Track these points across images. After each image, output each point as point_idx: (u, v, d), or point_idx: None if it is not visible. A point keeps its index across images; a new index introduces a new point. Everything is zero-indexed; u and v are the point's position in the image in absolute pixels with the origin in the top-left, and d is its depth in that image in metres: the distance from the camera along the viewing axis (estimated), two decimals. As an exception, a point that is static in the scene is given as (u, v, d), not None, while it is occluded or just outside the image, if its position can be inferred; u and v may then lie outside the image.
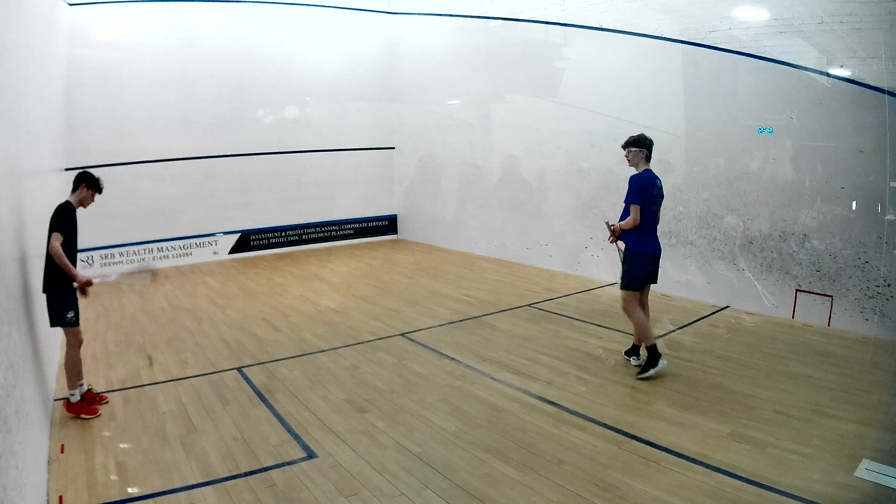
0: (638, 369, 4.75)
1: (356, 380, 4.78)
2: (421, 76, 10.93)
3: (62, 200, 4.31)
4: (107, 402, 4.40)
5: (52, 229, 4.04)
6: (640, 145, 4.80)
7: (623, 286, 4.85)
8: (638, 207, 4.70)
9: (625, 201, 4.80)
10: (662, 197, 4.88)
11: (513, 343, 5.55)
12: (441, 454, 3.59)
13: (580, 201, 8.21)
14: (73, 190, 4.42)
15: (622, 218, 4.85)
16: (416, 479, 3.32)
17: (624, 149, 4.88)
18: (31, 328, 3.79)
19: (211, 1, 9.54)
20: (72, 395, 4.20)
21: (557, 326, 6.01)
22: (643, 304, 4.90)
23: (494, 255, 9.63)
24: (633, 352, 4.98)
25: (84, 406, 4.21)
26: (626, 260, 4.86)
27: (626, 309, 4.84)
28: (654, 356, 4.65)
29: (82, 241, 8.86)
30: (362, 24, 10.94)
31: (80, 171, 4.52)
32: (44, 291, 4.10)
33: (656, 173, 4.79)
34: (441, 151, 10.58)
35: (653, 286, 4.95)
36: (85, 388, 4.30)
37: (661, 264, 4.84)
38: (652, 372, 4.63)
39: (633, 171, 4.82)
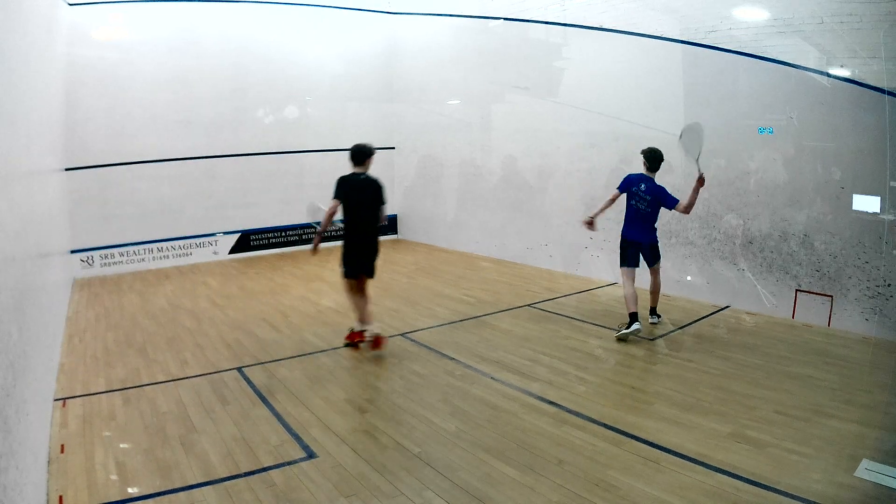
0: (658, 326, 5.90)
1: (356, 380, 4.78)
2: (421, 76, 10.93)
3: (348, 174, 5.33)
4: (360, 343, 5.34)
5: (383, 202, 5.42)
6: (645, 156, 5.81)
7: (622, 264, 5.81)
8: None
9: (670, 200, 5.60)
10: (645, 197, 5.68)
11: (513, 343, 5.55)
12: (441, 454, 3.59)
13: (580, 201, 8.20)
14: (362, 163, 5.33)
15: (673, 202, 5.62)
16: (416, 479, 3.32)
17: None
18: (31, 328, 3.79)
19: (211, 1, 9.54)
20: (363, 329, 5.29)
21: (557, 326, 6.02)
22: (653, 281, 5.90)
23: (494, 255, 9.63)
24: (653, 312, 5.96)
25: (356, 335, 5.40)
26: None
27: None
28: (632, 320, 5.53)
29: (82, 240, 8.94)
30: (362, 24, 10.94)
31: (360, 148, 5.33)
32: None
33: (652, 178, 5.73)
34: (441, 151, 10.58)
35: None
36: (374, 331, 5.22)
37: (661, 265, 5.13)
38: (625, 331, 5.49)
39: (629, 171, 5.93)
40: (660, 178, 7.41)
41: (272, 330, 6.14)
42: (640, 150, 5.85)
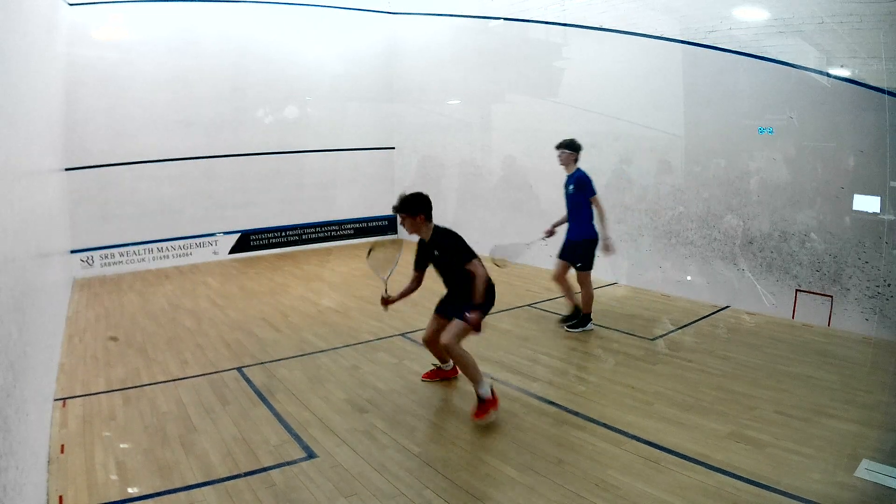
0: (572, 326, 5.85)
1: (356, 380, 4.78)
2: (421, 76, 10.93)
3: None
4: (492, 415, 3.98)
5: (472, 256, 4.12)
6: (573, 148, 5.80)
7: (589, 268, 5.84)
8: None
9: (588, 195, 5.73)
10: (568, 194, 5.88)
11: (513, 343, 5.55)
12: (441, 454, 3.59)
13: (580, 201, 8.21)
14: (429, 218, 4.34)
15: (578, 212, 5.78)
16: (416, 479, 3.32)
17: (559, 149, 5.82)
18: (31, 328, 3.79)
19: (211, 1, 9.54)
20: (482, 390, 4.00)
21: (557, 326, 6.01)
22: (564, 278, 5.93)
23: (494, 255, 9.63)
24: (572, 317, 5.92)
25: (491, 402, 3.97)
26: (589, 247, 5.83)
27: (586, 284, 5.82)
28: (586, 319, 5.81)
29: (82, 240, 8.93)
30: (362, 24, 10.94)
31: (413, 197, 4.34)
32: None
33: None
34: (441, 151, 10.58)
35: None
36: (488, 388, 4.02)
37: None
38: (580, 330, 5.74)
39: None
40: (660, 179, 7.44)
41: (272, 330, 6.14)
42: (557, 143, 5.85)
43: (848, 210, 5.54)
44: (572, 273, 5.88)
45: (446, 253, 4.22)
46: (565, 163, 5.82)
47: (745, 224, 6.39)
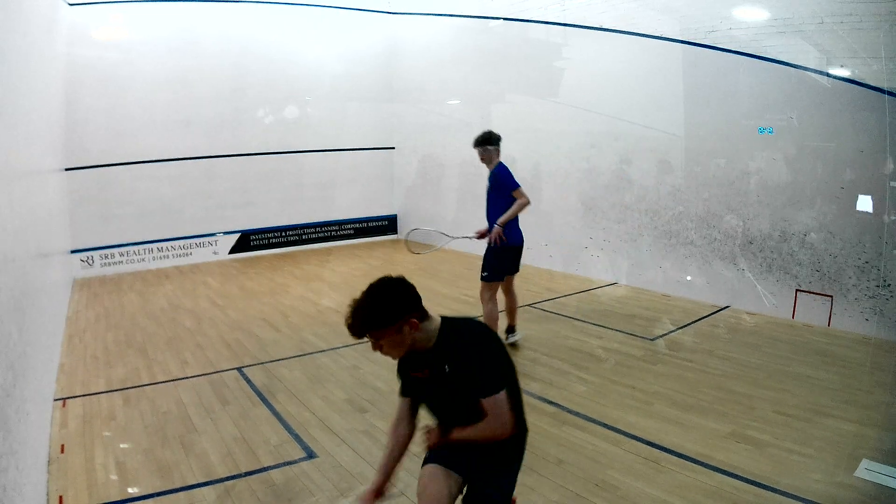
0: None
1: (356, 380, 4.78)
2: (421, 76, 10.93)
3: None
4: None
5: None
6: (494, 142, 5.23)
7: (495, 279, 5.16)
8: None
9: (510, 190, 5.00)
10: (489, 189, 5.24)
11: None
12: (441, 454, 3.59)
13: (580, 201, 8.21)
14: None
15: (498, 212, 5.03)
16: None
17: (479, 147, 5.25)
18: (31, 328, 3.78)
19: (211, 1, 9.54)
20: None
21: (557, 326, 6.01)
22: (514, 296, 5.35)
23: (494, 255, 9.63)
24: (513, 330, 5.39)
25: None
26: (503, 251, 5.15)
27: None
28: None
29: (82, 240, 8.93)
30: (362, 24, 10.94)
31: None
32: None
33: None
34: (441, 151, 10.57)
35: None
36: None
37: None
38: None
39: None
40: (660, 179, 7.44)
41: (272, 330, 6.14)
42: (479, 140, 5.27)
43: (848, 210, 5.54)
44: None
45: (463, 375, 2.27)
46: (489, 160, 5.12)
47: (745, 224, 6.39)
